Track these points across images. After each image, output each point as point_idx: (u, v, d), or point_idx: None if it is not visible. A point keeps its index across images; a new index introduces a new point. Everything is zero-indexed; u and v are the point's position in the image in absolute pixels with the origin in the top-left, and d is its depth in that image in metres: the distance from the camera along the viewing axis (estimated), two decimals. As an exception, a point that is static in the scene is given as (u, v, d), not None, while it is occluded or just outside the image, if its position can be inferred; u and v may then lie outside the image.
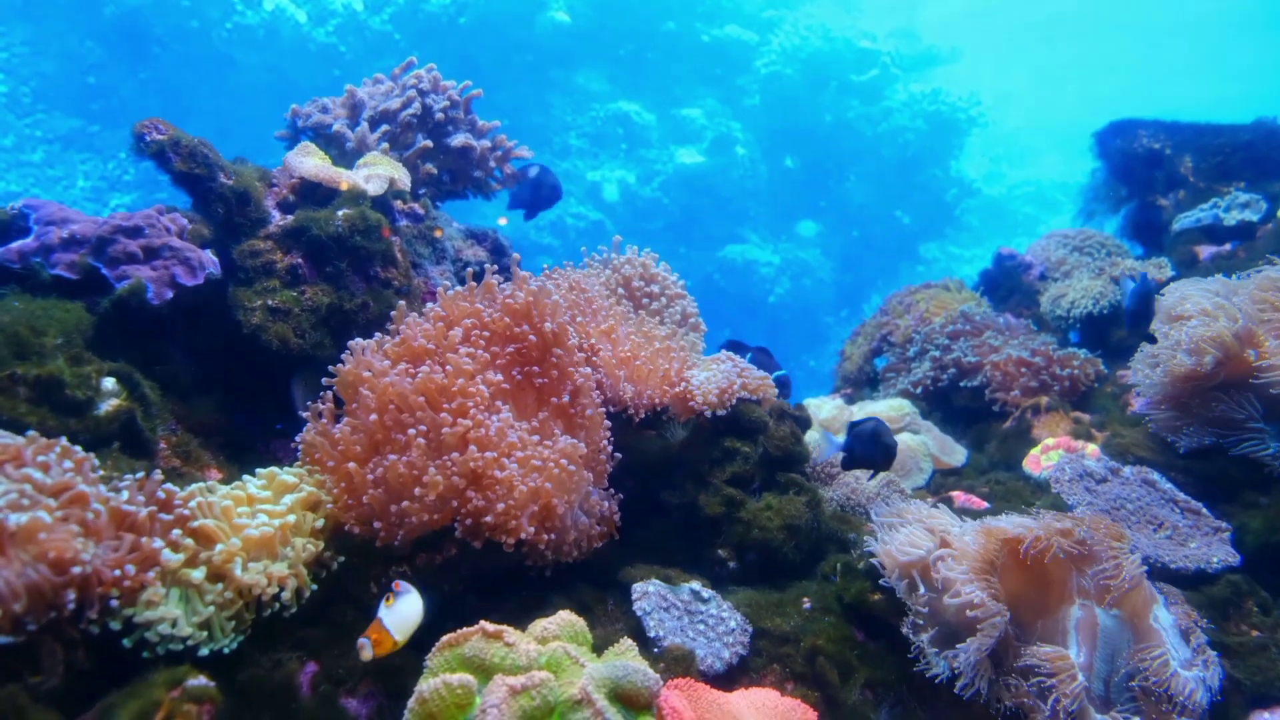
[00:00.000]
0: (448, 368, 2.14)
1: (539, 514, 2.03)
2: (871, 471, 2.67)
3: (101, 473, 1.76)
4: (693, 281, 3.16)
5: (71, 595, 1.52)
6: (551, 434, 2.24)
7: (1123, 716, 1.76)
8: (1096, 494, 2.64)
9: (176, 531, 1.76)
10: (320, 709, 1.78)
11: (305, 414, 2.23)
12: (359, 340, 2.27)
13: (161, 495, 1.79)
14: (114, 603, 1.61)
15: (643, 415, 2.50)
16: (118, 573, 1.58)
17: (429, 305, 2.42)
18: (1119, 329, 3.86)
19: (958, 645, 1.83)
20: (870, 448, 2.44)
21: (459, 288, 2.43)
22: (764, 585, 2.34)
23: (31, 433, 1.71)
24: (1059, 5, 25.20)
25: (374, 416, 2.07)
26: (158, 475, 1.84)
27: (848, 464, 2.56)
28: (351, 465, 2.03)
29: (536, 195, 3.32)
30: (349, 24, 13.63)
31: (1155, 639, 1.85)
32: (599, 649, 1.77)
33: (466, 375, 2.15)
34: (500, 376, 2.23)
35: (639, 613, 2.03)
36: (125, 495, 1.72)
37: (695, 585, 2.18)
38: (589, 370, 2.41)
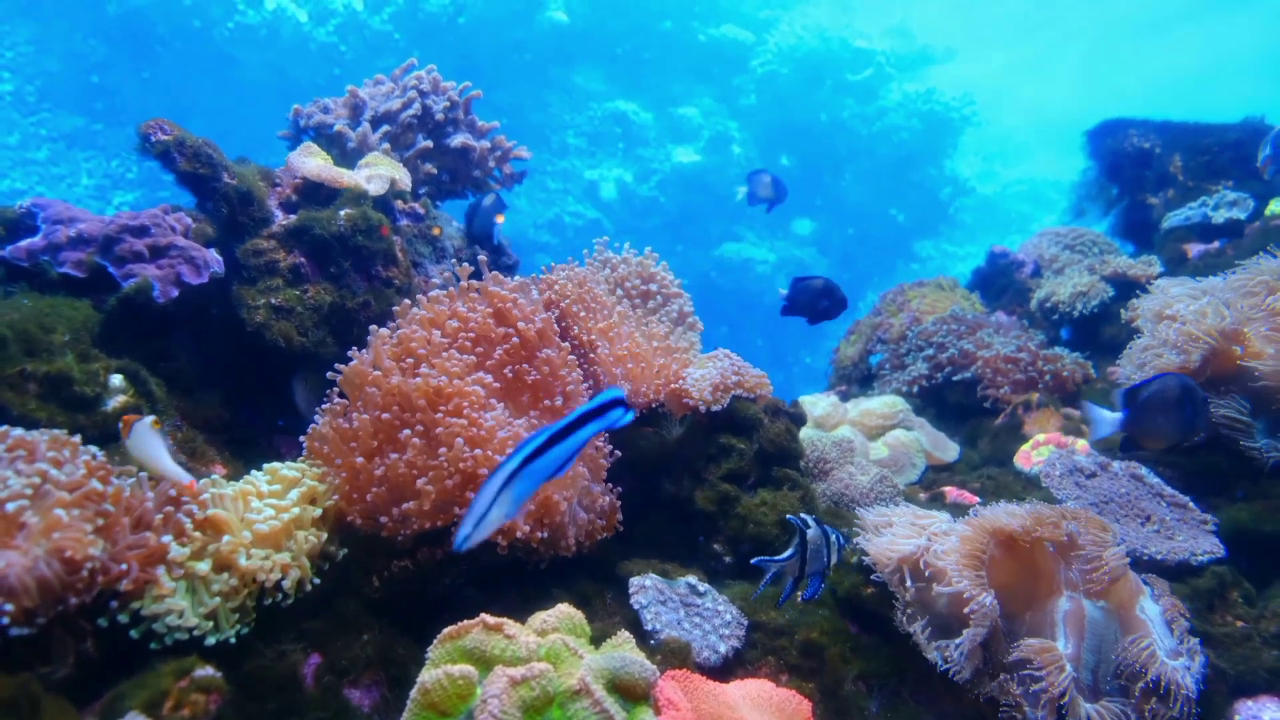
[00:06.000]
0: (432, 372, 2.17)
1: (537, 511, 2.06)
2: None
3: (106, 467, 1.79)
4: (689, 280, 3.18)
5: (82, 590, 1.55)
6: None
7: (1112, 705, 1.80)
8: (1086, 488, 2.68)
9: (188, 525, 1.80)
10: (324, 699, 1.81)
11: (308, 411, 2.26)
12: (382, 330, 2.31)
13: (172, 491, 1.83)
14: (113, 603, 1.64)
15: (639, 412, 2.54)
16: (125, 568, 1.62)
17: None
18: (1109, 326, 3.91)
19: (953, 636, 1.87)
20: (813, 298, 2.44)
21: (441, 290, 2.46)
22: (759, 579, 2.37)
23: (57, 432, 1.74)
24: (1052, 5, 25.21)
25: (383, 414, 2.10)
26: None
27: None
28: (359, 460, 2.07)
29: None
30: (349, 23, 13.65)
31: (1142, 629, 1.88)
32: (597, 641, 1.80)
33: (457, 375, 2.18)
34: (490, 376, 2.25)
35: (636, 606, 2.06)
36: (137, 492, 1.76)
37: (691, 579, 2.21)
38: (580, 373, 2.44)
